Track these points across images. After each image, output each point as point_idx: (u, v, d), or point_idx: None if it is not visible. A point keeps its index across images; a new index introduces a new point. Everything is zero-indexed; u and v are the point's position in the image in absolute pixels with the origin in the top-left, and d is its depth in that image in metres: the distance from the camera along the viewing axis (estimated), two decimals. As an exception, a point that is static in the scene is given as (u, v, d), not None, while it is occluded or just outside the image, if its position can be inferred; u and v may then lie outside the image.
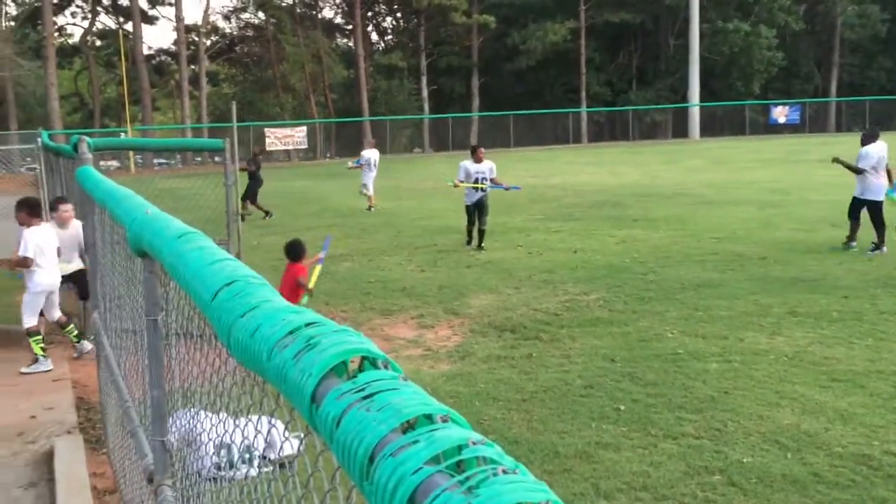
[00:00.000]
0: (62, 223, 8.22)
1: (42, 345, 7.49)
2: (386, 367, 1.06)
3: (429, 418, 0.88)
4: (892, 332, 7.31)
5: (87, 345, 7.65)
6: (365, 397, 0.95)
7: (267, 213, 17.61)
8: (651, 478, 4.67)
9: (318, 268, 8.28)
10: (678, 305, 8.61)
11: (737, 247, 11.90)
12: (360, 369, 1.06)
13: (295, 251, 7.93)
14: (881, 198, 11.38)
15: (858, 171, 11.54)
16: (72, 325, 7.92)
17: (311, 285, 7.82)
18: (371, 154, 19.51)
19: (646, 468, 4.79)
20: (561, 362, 6.92)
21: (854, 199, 11.62)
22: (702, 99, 50.56)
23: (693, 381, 6.28)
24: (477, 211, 12.71)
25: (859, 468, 4.66)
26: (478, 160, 12.89)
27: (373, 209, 18.45)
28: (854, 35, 54.56)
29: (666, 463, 4.85)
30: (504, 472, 0.77)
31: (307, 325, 1.22)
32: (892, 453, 4.84)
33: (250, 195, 17.54)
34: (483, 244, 12.64)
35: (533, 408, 5.88)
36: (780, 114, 50.45)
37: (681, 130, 51.29)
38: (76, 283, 8.34)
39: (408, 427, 0.87)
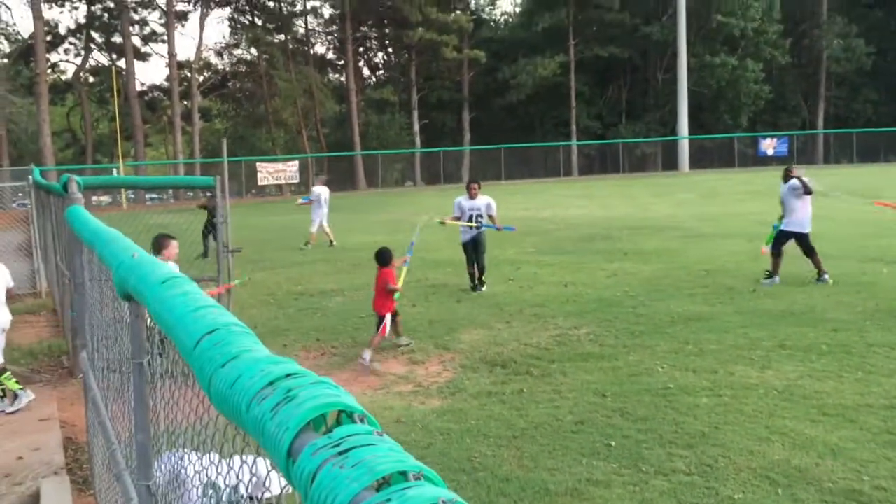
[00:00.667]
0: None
1: (14, 379, 7.40)
2: (362, 422, 1.07)
3: (403, 475, 0.89)
4: (881, 366, 7.32)
5: (25, 398, 7.40)
6: (340, 453, 0.96)
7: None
8: (642, 515, 4.65)
9: (405, 269, 9.37)
10: (668, 339, 8.62)
11: (727, 279, 11.95)
12: (339, 422, 1.07)
13: (384, 257, 8.83)
14: (807, 229, 11.77)
15: (810, 192, 11.87)
16: (8, 373, 7.49)
17: (399, 285, 8.80)
18: (321, 190, 19.56)
19: (637, 505, 4.77)
20: (552, 398, 6.90)
21: (780, 231, 11.87)
22: (691, 132, 51.04)
23: (684, 416, 6.27)
24: (474, 249, 12.22)
25: (850, 504, 4.65)
26: (472, 196, 12.41)
27: (309, 245, 18.42)
28: (840, 68, 55.32)
29: (657, 500, 4.83)
30: (472, 531, 0.78)
31: (287, 376, 1.23)
32: (881, 488, 4.83)
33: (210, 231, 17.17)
34: (483, 285, 12.18)
35: (524, 444, 5.86)
36: (769, 146, 50.94)
37: (670, 163, 51.69)
38: None
39: (383, 483, 0.88)
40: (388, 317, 8.48)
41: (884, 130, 52.09)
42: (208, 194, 19.23)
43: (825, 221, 18.65)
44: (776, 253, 11.68)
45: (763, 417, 6.14)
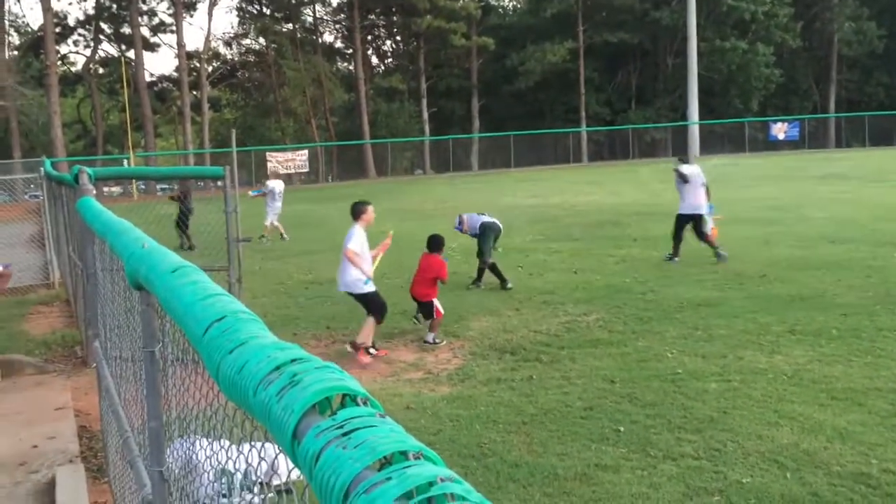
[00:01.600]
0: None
1: None
2: (366, 404, 1.10)
3: (404, 455, 0.92)
4: (890, 350, 7.32)
5: None
6: (343, 434, 0.99)
7: (191, 245, 16.65)
8: (650, 499, 4.68)
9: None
10: (677, 325, 8.63)
11: (736, 265, 11.93)
12: (343, 405, 1.10)
13: (437, 244, 9.12)
14: (700, 212, 12.68)
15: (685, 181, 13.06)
16: None
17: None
18: (275, 184, 19.58)
19: (645, 490, 4.80)
20: (561, 384, 6.93)
21: (678, 215, 12.87)
22: (701, 117, 50.76)
23: (692, 401, 6.29)
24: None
25: (858, 487, 4.67)
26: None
27: (265, 239, 18.37)
28: (851, 51, 54.88)
29: (665, 484, 4.86)
30: (469, 507, 0.81)
31: (292, 361, 1.26)
32: (890, 471, 4.85)
33: (183, 223, 17.08)
34: (480, 282, 11.66)
35: (533, 430, 5.89)
36: (780, 130, 50.63)
37: (680, 148, 51.36)
38: None
39: (385, 463, 0.91)
40: (437, 301, 8.70)
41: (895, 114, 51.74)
42: (176, 186, 19.22)
43: (836, 205, 18.59)
44: (678, 237, 12.68)
45: (772, 402, 6.16)
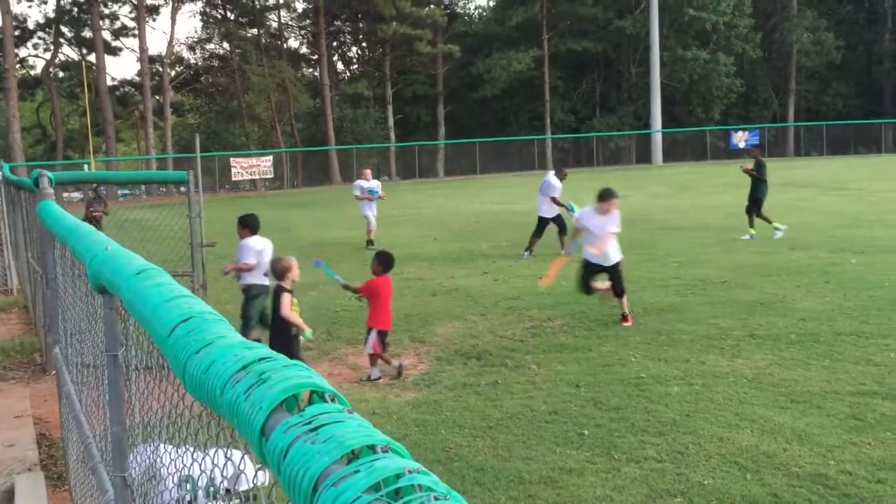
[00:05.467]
0: None
1: None
2: (333, 401, 1.11)
3: (371, 449, 0.94)
4: (848, 353, 7.47)
5: None
6: (311, 430, 1.00)
7: None
8: (614, 502, 4.73)
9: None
10: (641, 330, 8.72)
11: (698, 271, 12.10)
12: (311, 403, 1.11)
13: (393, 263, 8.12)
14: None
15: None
16: None
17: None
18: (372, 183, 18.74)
19: (609, 492, 4.85)
20: (526, 388, 6.98)
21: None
22: (664, 125, 51.39)
23: (656, 404, 6.37)
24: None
25: (816, 488, 4.76)
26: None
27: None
28: (810, 62, 55.94)
29: (629, 487, 4.91)
30: (436, 498, 0.82)
31: (260, 360, 1.26)
32: (847, 472, 4.95)
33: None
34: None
35: (498, 434, 5.92)
36: (741, 139, 51.41)
37: (644, 156, 52.04)
38: None
39: (353, 457, 0.92)
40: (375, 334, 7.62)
41: (853, 123, 52.77)
42: (90, 194, 18.49)
43: (795, 212, 18.94)
44: (537, 233, 14.71)
45: (733, 405, 6.26)
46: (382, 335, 7.62)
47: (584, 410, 6.32)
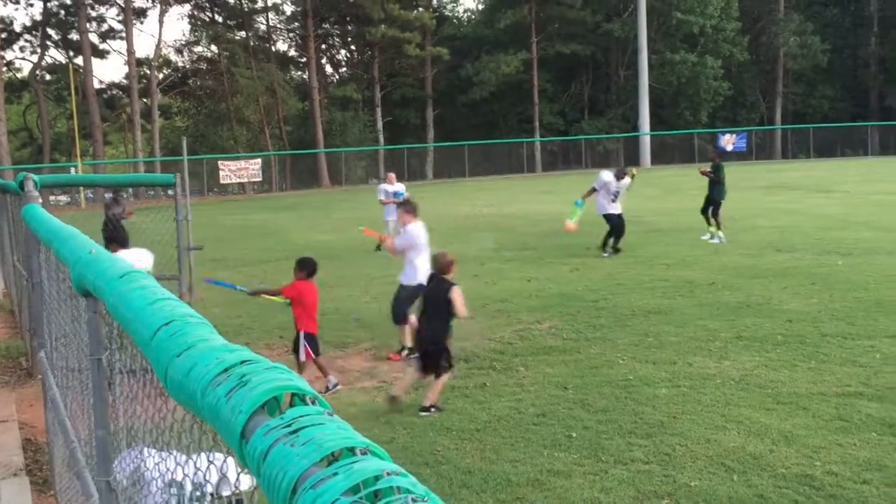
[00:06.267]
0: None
1: None
2: (314, 403, 1.11)
3: (351, 451, 0.94)
4: (834, 355, 7.52)
5: None
6: (291, 433, 1.00)
7: None
8: (602, 504, 4.74)
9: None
10: (629, 332, 8.75)
11: (686, 273, 12.14)
12: (292, 405, 1.11)
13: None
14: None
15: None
16: None
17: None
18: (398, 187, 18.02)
19: (597, 494, 4.86)
20: (514, 391, 6.98)
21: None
22: (652, 128, 51.55)
23: (643, 406, 6.38)
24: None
25: (802, 489, 4.79)
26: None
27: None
28: (797, 65, 56.23)
29: (616, 488, 4.93)
30: (414, 500, 0.82)
31: (242, 362, 1.26)
32: (833, 473, 4.98)
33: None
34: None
35: (486, 437, 5.93)
36: (728, 142, 51.62)
37: (632, 159, 52.11)
38: None
39: (332, 460, 0.92)
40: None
41: (839, 126, 53.07)
42: (108, 197, 17.84)
43: (782, 214, 19.04)
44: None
45: (720, 406, 6.28)
46: (311, 339, 7.42)
47: (572, 413, 6.33)
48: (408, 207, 8.91)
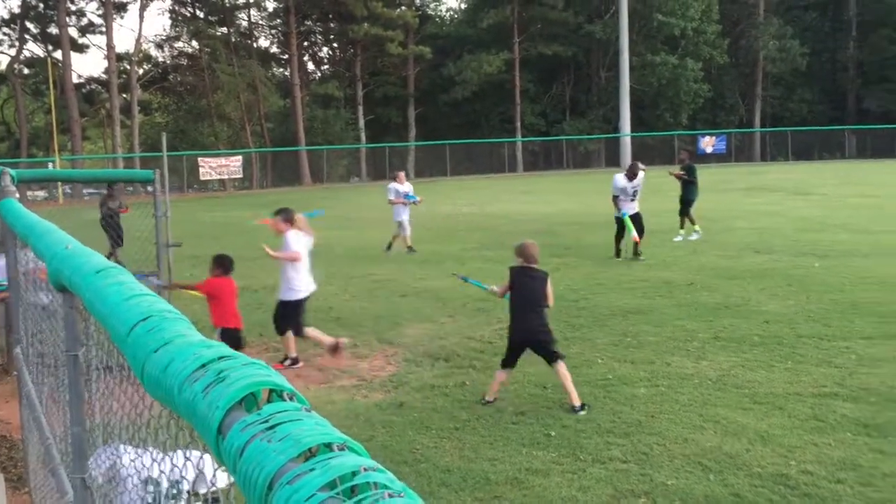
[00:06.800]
0: None
1: None
2: (292, 399, 1.10)
3: (328, 447, 0.94)
4: (810, 356, 7.59)
5: None
6: (268, 428, 1.00)
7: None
8: (579, 502, 4.76)
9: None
10: (608, 332, 8.79)
11: (665, 273, 12.22)
12: (270, 401, 1.11)
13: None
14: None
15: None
16: None
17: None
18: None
19: (574, 493, 4.88)
20: (493, 390, 6.99)
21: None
22: (633, 129, 51.79)
23: (622, 405, 6.42)
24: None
25: (777, 488, 4.83)
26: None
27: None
28: (775, 68, 56.73)
29: (594, 487, 4.95)
30: (391, 495, 0.82)
31: (219, 358, 1.26)
32: (808, 472, 5.03)
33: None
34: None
35: (465, 436, 5.93)
36: (708, 144, 52.03)
37: (613, 160, 52.38)
38: None
39: (309, 456, 0.92)
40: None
41: (817, 129, 53.65)
42: (105, 191, 17.31)
43: (760, 216, 19.21)
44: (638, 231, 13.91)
45: (697, 406, 6.33)
46: (232, 334, 7.32)
47: (551, 412, 6.35)
48: (285, 215, 8.41)
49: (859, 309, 9.39)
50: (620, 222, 13.88)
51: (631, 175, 14.15)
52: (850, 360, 7.40)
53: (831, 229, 16.73)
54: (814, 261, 12.81)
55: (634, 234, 13.57)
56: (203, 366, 1.24)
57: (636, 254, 13.75)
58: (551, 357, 6.59)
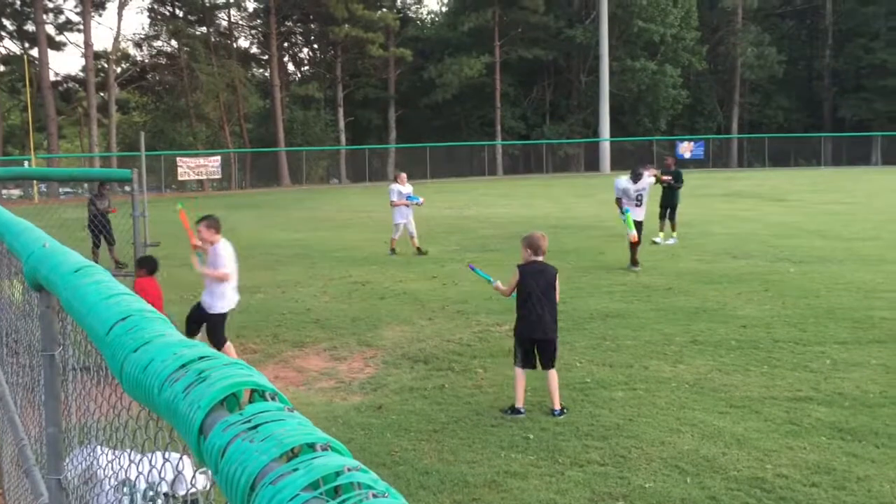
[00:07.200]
0: None
1: None
2: (274, 399, 1.10)
3: (311, 447, 0.93)
4: (785, 360, 7.66)
5: None
6: (250, 428, 0.99)
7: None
8: (557, 505, 4.77)
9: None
10: (587, 335, 8.82)
11: (644, 278, 12.28)
12: (252, 401, 1.10)
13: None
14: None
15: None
16: None
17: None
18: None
19: (552, 496, 4.89)
20: (472, 392, 7.00)
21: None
22: (612, 134, 52.08)
23: (600, 409, 6.44)
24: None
25: (753, 491, 4.87)
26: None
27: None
28: (753, 75, 57.30)
29: (572, 490, 4.96)
30: (374, 495, 0.82)
31: (199, 358, 1.25)
32: (783, 476, 5.07)
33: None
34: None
35: (444, 438, 5.93)
36: (686, 149, 52.39)
37: (592, 164, 52.66)
38: None
39: (292, 456, 0.91)
40: None
41: (794, 136, 54.27)
42: (94, 191, 16.98)
43: (737, 222, 19.37)
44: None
45: (674, 410, 6.37)
46: None
47: (530, 415, 6.36)
48: (211, 223, 7.95)
49: (834, 314, 9.49)
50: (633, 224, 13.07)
51: (635, 177, 13.49)
52: (825, 365, 7.47)
53: (807, 235, 16.91)
54: (790, 266, 12.94)
55: (633, 233, 12.85)
56: (183, 366, 1.23)
57: (634, 263, 12.99)
58: (552, 361, 6.49)
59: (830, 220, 19.62)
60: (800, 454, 5.42)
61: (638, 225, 13.11)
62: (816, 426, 5.93)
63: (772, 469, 5.18)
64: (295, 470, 0.87)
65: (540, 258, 6.63)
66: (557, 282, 6.62)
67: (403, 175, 16.51)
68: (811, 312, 9.62)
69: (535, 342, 6.49)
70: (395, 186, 16.09)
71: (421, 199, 16.21)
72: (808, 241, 16.01)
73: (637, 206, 13.34)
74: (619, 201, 13.47)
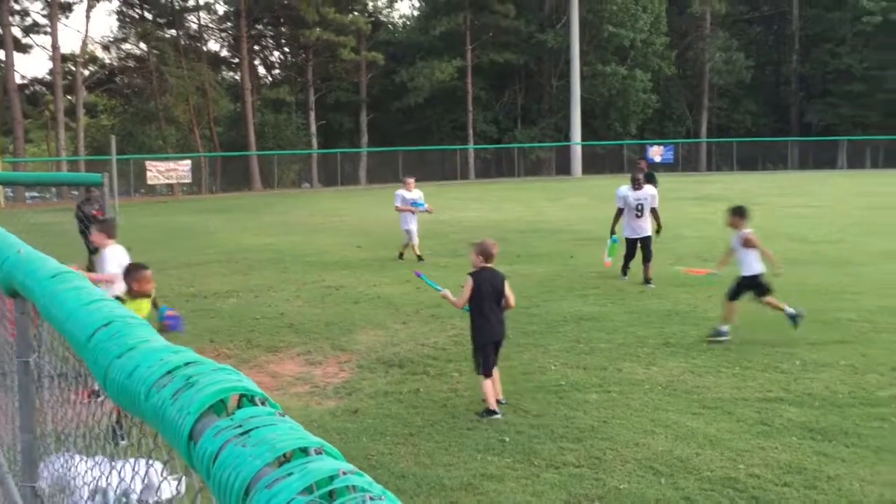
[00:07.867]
0: None
1: None
2: (263, 404, 1.10)
3: (304, 451, 0.93)
4: (756, 361, 7.76)
5: None
6: (242, 433, 0.99)
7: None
8: (534, 507, 4.79)
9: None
10: (560, 338, 8.87)
11: (617, 281, 12.37)
12: (240, 407, 1.10)
13: None
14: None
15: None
16: None
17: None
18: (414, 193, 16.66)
19: (529, 498, 4.91)
20: (448, 396, 7.01)
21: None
22: (583, 138, 52.40)
23: (574, 411, 6.48)
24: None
25: (726, 491, 4.93)
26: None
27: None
28: (721, 80, 57.99)
29: (548, 492, 4.99)
30: (371, 499, 0.83)
31: (186, 364, 1.24)
32: (756, 476, 5.14)
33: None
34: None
35: (420, 442, 5.93)
36: (656, 153, 52.86)
37: (564, 168, 52.94)
38: None
39: (284, 461, 0.92)
40: None
41: (762, 140, 55.02)
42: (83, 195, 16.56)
43: (707, 225, 19.57)
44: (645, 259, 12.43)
45: (648, 411, 6.42)
46: None
47: (505, 418, 6.38)
48: (104, 227, 7.71)
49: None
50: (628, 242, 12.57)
51: (634, 184, 12.57)
52: (795, 366, 7.58)
53: (775, 238, 17.10)
54: (759, 269, 13.08)
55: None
56: (170, 371, 1.23)
57: (623, 273, 12.48)
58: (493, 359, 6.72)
59: (798, 224, 19.91)
60: (771, 454, 5.49)
61: (644, 241, 12.39)
62: (787, 426, 6.01)
63: (744, 469, 5.25)
64: (290, 474, 0.87)
65: (490, 265, 6.83)
66: (508, 286, 6.80)
67: (411, 180, 15.95)
68: (780, 314, 9.73)
69: (497, 344, 6.74)
70: (400, 192, 15.69)
71: (427, 206, 15.69)
72: (775, 243, 16.10)
73: (637, 216, 12.43)
74: (618, 214, 12.60)
